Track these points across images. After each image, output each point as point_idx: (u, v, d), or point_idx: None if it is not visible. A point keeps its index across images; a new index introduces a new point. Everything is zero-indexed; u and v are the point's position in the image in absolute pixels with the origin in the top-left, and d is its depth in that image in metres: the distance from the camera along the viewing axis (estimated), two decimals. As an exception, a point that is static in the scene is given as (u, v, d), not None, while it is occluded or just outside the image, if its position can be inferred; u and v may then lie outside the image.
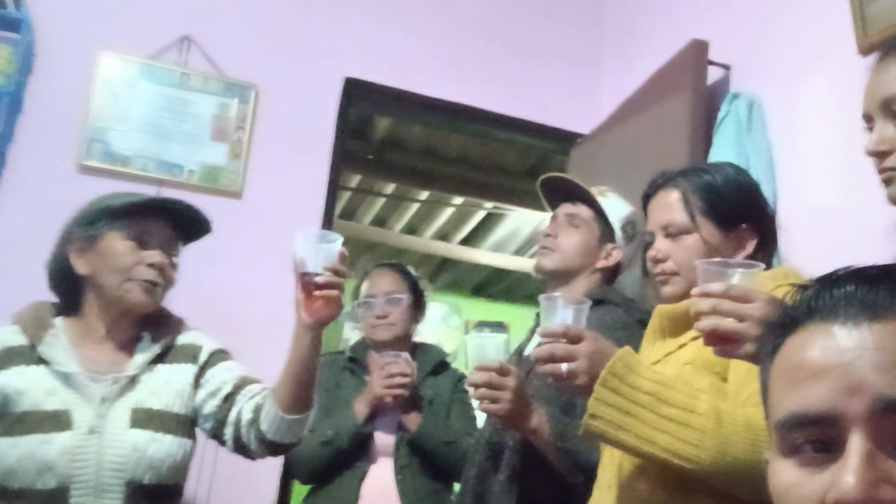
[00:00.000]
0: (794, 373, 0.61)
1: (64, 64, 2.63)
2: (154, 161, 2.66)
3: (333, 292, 1.43)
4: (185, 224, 1.64)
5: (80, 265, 1.55)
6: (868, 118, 1.19)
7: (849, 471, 0.55)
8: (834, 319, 0.60)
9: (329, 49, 2.96)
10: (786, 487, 0.60)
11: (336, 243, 1.45)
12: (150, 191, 2.44)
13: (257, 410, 1.53)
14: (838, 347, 0.59)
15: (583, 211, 1.88)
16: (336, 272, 1.43)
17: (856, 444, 0.56)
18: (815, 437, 0.59)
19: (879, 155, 1.16)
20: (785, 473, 0.61)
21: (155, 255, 1.56)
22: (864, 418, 0.56)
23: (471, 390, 1.59)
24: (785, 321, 0.65)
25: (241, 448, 1.58)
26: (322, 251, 1.43)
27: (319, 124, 2.91)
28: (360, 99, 3.03)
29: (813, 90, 2.05)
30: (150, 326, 1.62)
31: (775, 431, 0.63)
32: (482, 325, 5.43)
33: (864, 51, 1.81)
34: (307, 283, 1.43)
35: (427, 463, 2.17)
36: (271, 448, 1.56)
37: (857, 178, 1.69)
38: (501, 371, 1.49)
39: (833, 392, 0.58)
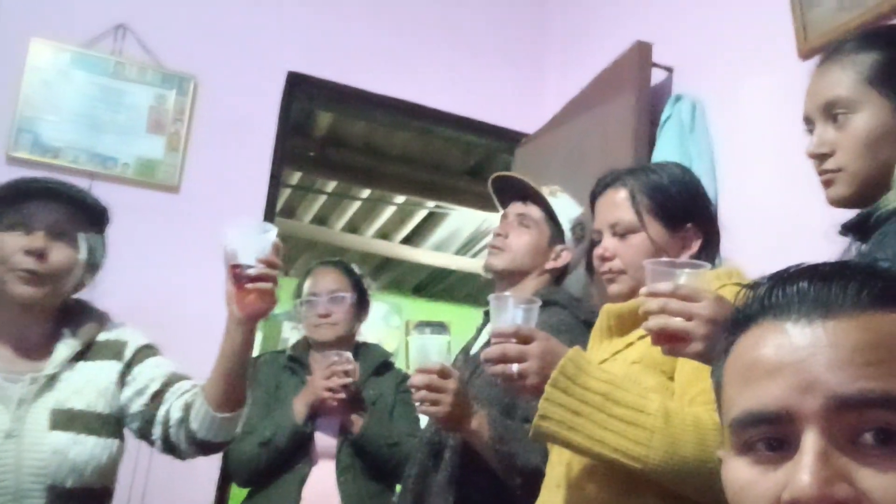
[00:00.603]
0: (748, 371, 0.61)
1: (-8, 51, 2.51)
2: (86, 153, 2.56)
3: (267, 285, 1.37)
4: (81, 211, 1.50)
5: None
6: (809, 121, 1.22)
7: (804, 469, 0.54)
8: (787, 317, 0.60)
9: (272, 42, 2.90)
10: (740, 486, 0.60)
11: (270, 234, 1.39)
12: (81, 183, 2.35)
13: (187, 408, 1.46)
14: (792, 345, 0.59)
15: (533, 211, 1.88)
16: (270, 264, 1.37)
17: (810, 441, 0.55)
18: (770, 436, 0.58)
19: (819, 157, 1.18)
20: (739, 472, 0.60)
21: (33, 241, 1.42)
22: (818, 416, 0.56)
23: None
24: (738, 319, 0.65)
25: (170, 448, 1.51)
26: (255, 242, 1.37)
27: (261, 118, 2.85)
28: (302, 93, 2.99)
29: (754, 93, 2.09)
30: (69, 322, 1.52)
31: (729, 430, 0.62)
32: (423, 324, 5.42)
33: (805, 55, 1.86)
34: (239, 276, 1.36)
35: (369, 464, 2.15)
36: (202, 447, 1.49)
37: (796, 179, 1.73)
38: (442, 373, 1.48)
39: (787, 390, 0.57)
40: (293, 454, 2.11)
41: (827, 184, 1.19)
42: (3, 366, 1.43)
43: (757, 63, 2.09)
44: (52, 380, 1.44)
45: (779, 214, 1.92)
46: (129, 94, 2.64)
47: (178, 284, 2.56)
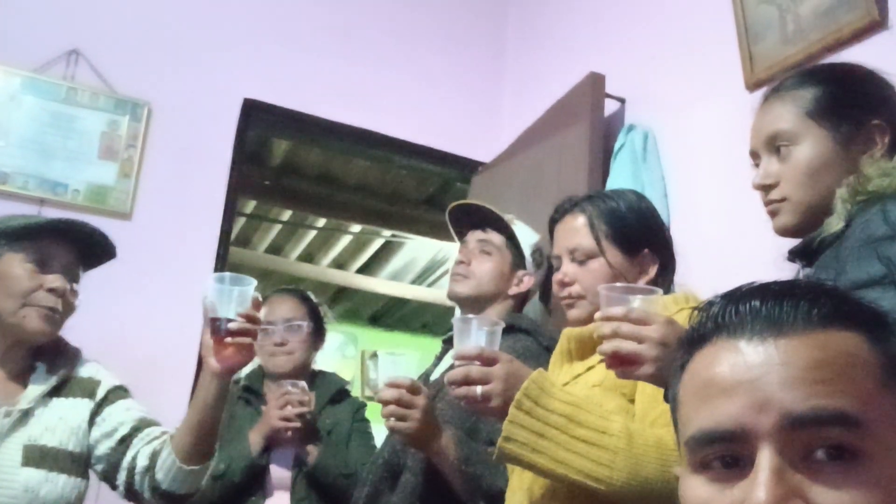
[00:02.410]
0: (703, 389, 0.62)
1: (-62, 74, 2.46)
2: (36, 179, 2.51)
3: (246, 339, 1.38)
4: (88, 249, 1.54)
5: None
6: (755, 155, 1.26)
7: (759, 486, 0.55)
8: (740, 335, 0.61)
9: (228, 68, 2.89)
10: (697, 503, 0.60)
11: (249, 287, 1.39)
12: (30, 210, 2.29)
13: (154, 457, 1.45)
14: (746, 363, 0.60)
15: (494, 237, 1.90)
16: (250, 318, 1.37)
17: (765, 459, 0.56)
18: (725, 453, 0.59)
19: (765, 188, 1.22)
20: (696, 489, 0.61)
21: (56, 280, 1.46)
22: (772, 434, 0.56)
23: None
24: (692, 337, 0.66)
25: (132, 495, 1.50)
26: (235, 295, 1.37)
27: (216, 146, 2.82)
28: (258, 121, 2.97)
29: (703, 123, 2.15)
30: (44, 356, 1.51)
31: (685, 447, 0.63)
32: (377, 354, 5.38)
33: (751, 86, 1.92)
34: (218, 329, 1.36)
35: (325, 495, 2.11)
36: (165, 498, 1.47)
37: (744, 206, 1.77)
38: (412, 389, 1.47)
39: (742, 409, 0.58)
40: (248, 486, 2.06)
41: (773, 214, 1.23)
42: None
43: (706, 94, 2.15)
44: (25, 415, 1.43)
45: (728, 240, 1.97)
46: (80, 120, 2.60)
47: (129, 314, 2.51)
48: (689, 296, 1.32)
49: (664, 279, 1.42)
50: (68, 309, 1.50)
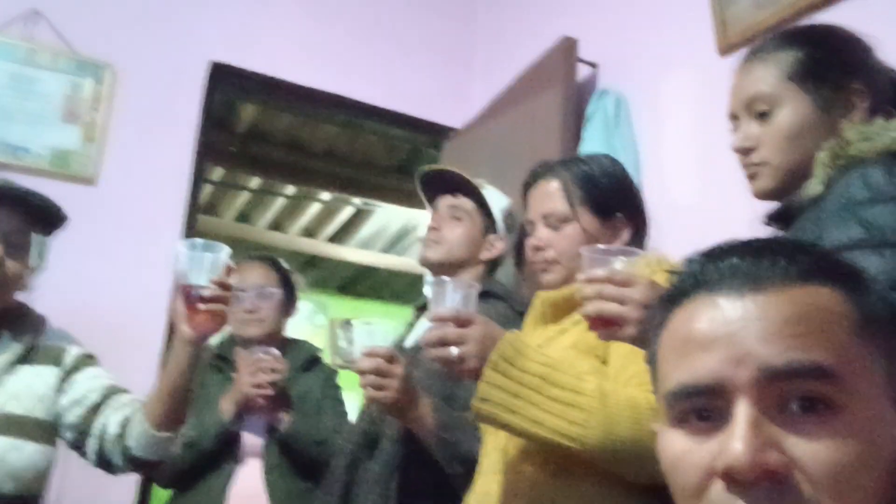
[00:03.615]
0: (682, 344, 0.63)
1: None
2: (-5, 143, 2.45)
3: (219, 306, 1.38)
4: (34, 214, 1.49)
5: None
6: (734, 117, 1.26)
7: (736, 437, 0.56)
8: (719, 291, 0.62)
9: (193, 30, 2.83)
10: (676, 456, 0.61)
11: (222, 254, 1.39)
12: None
13: (124, 424, 1.45)
14: (724, 319, 0.60)
15: (465, 203, 1.89)
16: (222, 285, 1.37)
17: (742, 411, 0.57)
18: (703, 407, 0.60)
19: (744, 152, 1.23)
20: (674, 443, 0.62)
21: None
22: (749, 387, 0.57)
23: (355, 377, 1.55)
24: (672, 294, 0.66)
25: (103, 462, 1.50)
26: (207, 262, 1.37)
27: (182, 110, 2.77)
28: (225, 84, 2.92)
29: (676, 88, 2.16)
30: (8, 324, 1.49)
31: (664, 402, 0.63)
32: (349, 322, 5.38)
33: (724, 51, 1.93)
34: (190, 296, 1.36)
35: (297, 462, 2.11)
36: (136, 465, 1.48)
37: (716, 170, 1.79)
38: (390, 358, 1.47)
39: (720, 362, 0.59)
40: (219, 454, 2.06)
41: (752, 177, 1.23)
42: None
43: (678, 59, 2.16)
44: None
45: (700, 205, 1.99)
46: (41, 82, 2.53)
47: (94, 281, 2.48)
48: (661, 259, 1.33)
49: (637, 242, 1.43)
50: (10, 278, 1.44)
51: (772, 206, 1.23)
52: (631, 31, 2.38)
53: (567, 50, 2.41)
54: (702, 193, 2.00)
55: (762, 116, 1.20)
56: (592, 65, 2.47)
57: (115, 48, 2.65)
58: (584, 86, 2.44)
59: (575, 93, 2.37)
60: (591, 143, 2.22)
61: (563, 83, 2.36)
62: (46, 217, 1.51)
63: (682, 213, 1.98)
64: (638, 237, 1.44)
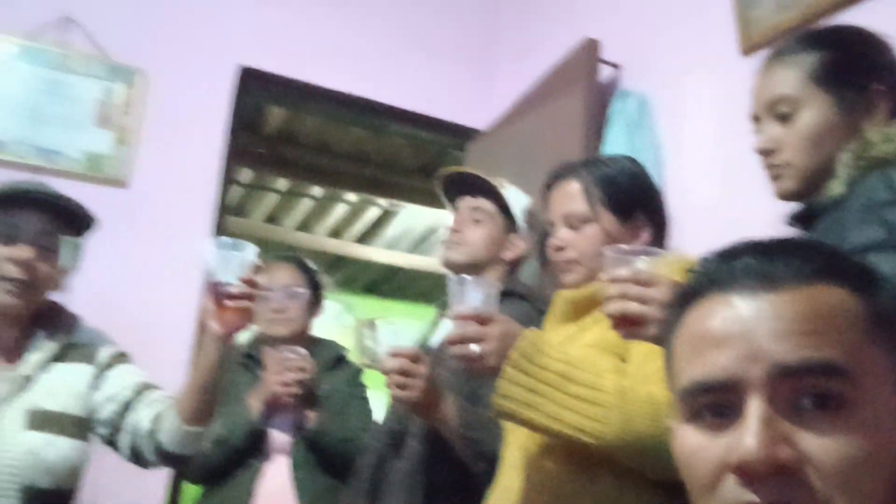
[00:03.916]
0: (696, 342, 0.64)
1: (-71, 41, 2.44)
2: (31, 147, 2.51)
3: (246, 303, 1.40)
4: (63, 216, 1.51)
5: None
6: (756, 119, 1.27)
7: (749, 433, 0.57)
8: (733, 290, 0.63)
9: (223, 35, 2.87)
10: (690, 451, 0.63)
11: (249, 252, 1.41)
12: (26, 178, 2.29)
13: (156, 420, 1.48)
14: (738, 317, 0.62)
15: (485, 204, 1.90)
16: (250, 283, 1.40)
17: (755, 407, 0.58)
18: (716, 403, 0.61)
19: (767, 153, 1.23)
20: (687, 439, 0.63)
21: (17, 251, 1.43)
22: (762, 383, 0.59)
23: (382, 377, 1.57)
24: (687, 292, 0.68)
25: (136, 457, 1.53)
26: (235, 260, 1.39)
27: (211, 113, 2.82)
28: (254, 88, 2.96)
29: (698, 89, 2.16)
30: (42, 323, 1.52)
31: (679, 399, 0.65)
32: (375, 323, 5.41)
33: (747, 51, 1.92)
34: (219, 293, 1.39)
35: (324, 460, 2.14)
36: (168, 459, 1.51)
37: (739, 171, 1.79)
38: (415, 357, 1.49)
39: (733, 360, 0.60)
40: (248, 451, 2.10)
41: (775, 178, 1.24)
42: None
43: (701, 60, 2.15)
44: (27, 381, 1.45)
45: (723, 206, 1.99)
46: (75, 87, 2.59)
47: (126, 282, 2.53)
48: (683, 259, 1.34)
49: (658, 243, 1.43)
50: (42, 279, 1.47)
51: (794, 207, 1.23)
52: (653, 31, 2.38)
53: (589, 51, 2.41)
54: (724, 194, 2.00)
55: (784, 118, 1.20)
56: (615, 66, 2.47)
57: (146, 53, 2.71)
58: (607, 87, 2.45)
59: (597, 94, 2.38)
60: (614, 144, 2.23)
61: (585, 84, 2.37)
62: (74, 219, 1.54)
63: (704, 214, 1.98)
64: (659, 238, 1.45)
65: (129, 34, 2.70)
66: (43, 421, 1.42)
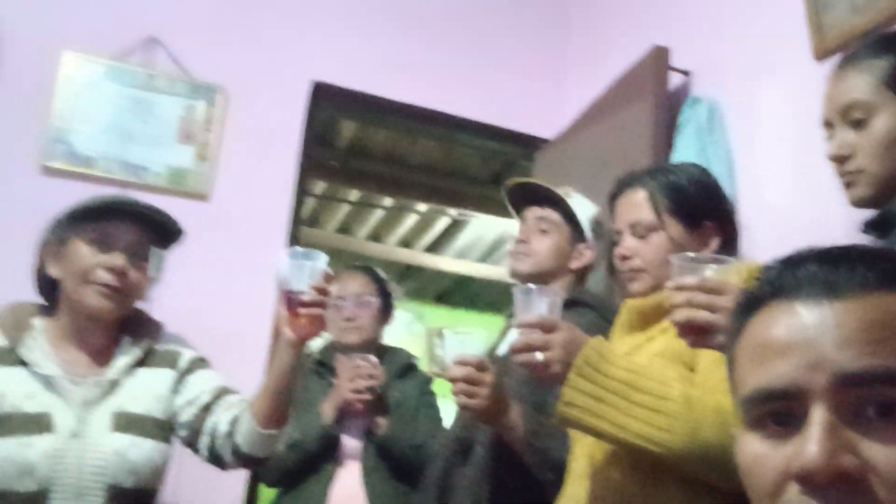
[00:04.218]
0: (759, 350, 0.64)
1: (25, 63, 2.59)
2: (118, 163, 2.64)
3: (318, 311, 1.44)
4: (154, 228, 1.59)
5: (52, 268, 1.53)
6: (828, 125, 1.24)
7: (811, 441, 0.57)
8: (797, 298, 0.63)
9: (297, 52, 2.96)
10: (753, 459, 0.62)
11: (321, 262, 1.45)
12: (114, 193, 2.41)
13: (234, 423, 1.52)
14: (801, 325, 0.61)
15: (551, 214, 1.91)
16: (321, 291, 1.44)
17: (818, 415, 0.58)
18: (779, 411, 0.61)
19: (840, 160, 1.21)
20: (751, 446, 0.63)
21: (113, 259, 1.50)
22: (825, 392, 0.58)
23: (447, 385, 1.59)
24: (750, 300, 0.67)
25: (214, 458, 1.57)
26: (307, 269, 1.43)
27: (287, 127, 2.91)
28: (327, 103, 3.04)
29: (771, 94, 2.11)
30: (128, 329, 1.59)
31: (741, 407, 0.65)
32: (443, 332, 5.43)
33: (820, 56, 1.88)
34: (292, 301, 1.43)
35: (394, 466, 2.17)
36: (245, 460, 1.55)
37: (813, 178, 1.75)
38: (480, 366, 1.49)
39: (797, 368, 0.60)
40: (321, 456, 2.15)
41: (848, 185, 1.21)
42: (69, 368, 1.49)
43: (773, 65, 2.11)
44: (113, 384, 1.51)
45: (797, 213, 1.94)
46: (159, 105, 2.71)
47: (207, 290, 2.62)
48: (753, 267, 1.32)
49: (728, 251, 1.40)
50: (132, 286, 1.54)
51: (869, 214, 1.20)
52: (724, 38, 2.34)
53: (659, 58, 2.39)
54: (798, 202, 1.95)
55: (858, 124, 1.18)
56: (685, 73, 2.44)
57: (225, 72, 2.81)
58: (677, 94, 2.42)
59: (666, 101, 2.36)
60: (684, 151, 2.20)
61: (654, 92, 2.35)
62: (165, 231, 1.61)
63: (777, 222, 1.94)
64: (728, 246, 1.42)
65: (209, 54, 2.82)
66: (128, 423, 1.48)
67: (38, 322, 1.54)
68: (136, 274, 1.54)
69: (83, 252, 1.50)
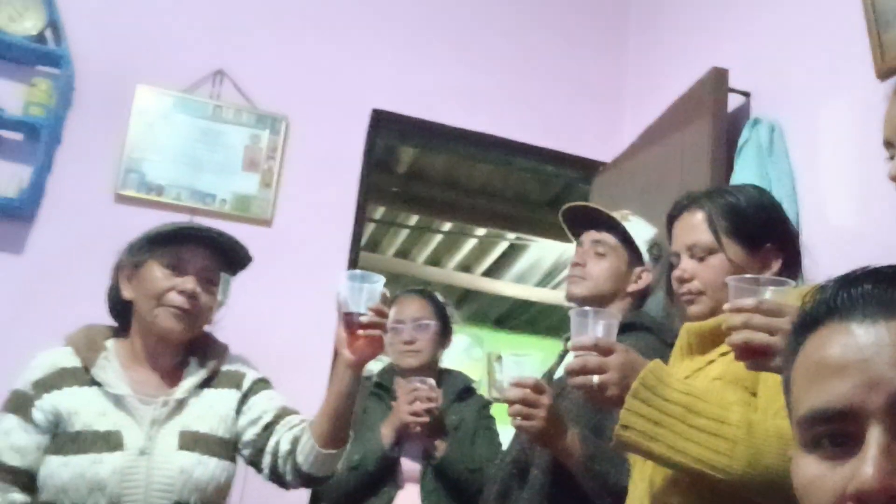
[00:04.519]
0: (815, 370, 0.63)
1: (101, 97, 2.73)
2: (187, 190, 2.74)
3: (376, 332, 1.47)
4: (225, 254, 1.65)
5: (126, 290, 1.59)
6: (889, 144, 1.22)
7: (868, 462, 0.56)
8: (852, 318, 0.62)
9: (357, 81, 3.04)
10: (809, 481, 0.62)
11: (379, 284, 1.48)
12: (183, 219, 2.50)
13: (295, 442, 1.55)
14: (857, 345, 0.61)
15: (608, 237, 1.90)
16: (379, 313, 1.46)
17: (874, 436, 0.57)
18: (836, 432, 0.60)
19: None
20: (807, 468, 0.62)
21: (187, 283, 1.56)
22: (882, 412, 0.57)
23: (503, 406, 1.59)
24: (805, 321, 0.67)
25: (276, 477, 1.60)
26: (365, 291, 1.46)
27: (347, 154, 2.98)
28: (386, 130, 3.10)
29: (832, 114, 2.07)
30: (196, 351, 1.64)
31: (797, 428, 0.65)
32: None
33: (882, 75, 1.83)
34: (351, 322, 1.46)
35: (453, 489, 2.17)
36: (306, 480, 1.58)
37: (876, 200, 1.71)
38: (537, 388, 1.49)
39: (853, 388, 0.59)
40: (380, 478, 2.16)
41: None
42: (139, 388, 1.55)
43: (834, 84, 2.07)
44: (180, 404, 1.56)
45: (861, 235, 1.89)
46: (226, 135, 2.82)
47: (269, 313, 2.68)
48: (817, 288, 1.29)
49: (789, 274, 1.38)
50: (203, 309, 1.60)
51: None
52: (784, 58, 2.31)
53: (717, 80, 2.37)
54: (862, 223, 1.90)
55: None
56: (745, 94, 2.41)
57: (288, 101, 2.91)
58: (736, 115, 2.39)
59: (726, 123, 2.33)
60: (744, 172, 2.17)
61: (713, 113, 2.33)
62: (235, 257, 1.67)
63: (841, 244, 1.89)
64: (790, 268, 1.40)
65: (273, 85, 2.91)
66: (194, 442, 1.52)
67: (111, 343, 1.60)
68: (206, 297, 1.60)
69: (158, 275, 1.56)
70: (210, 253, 1.62)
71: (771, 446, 1.07)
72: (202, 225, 1.67)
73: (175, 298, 1.56)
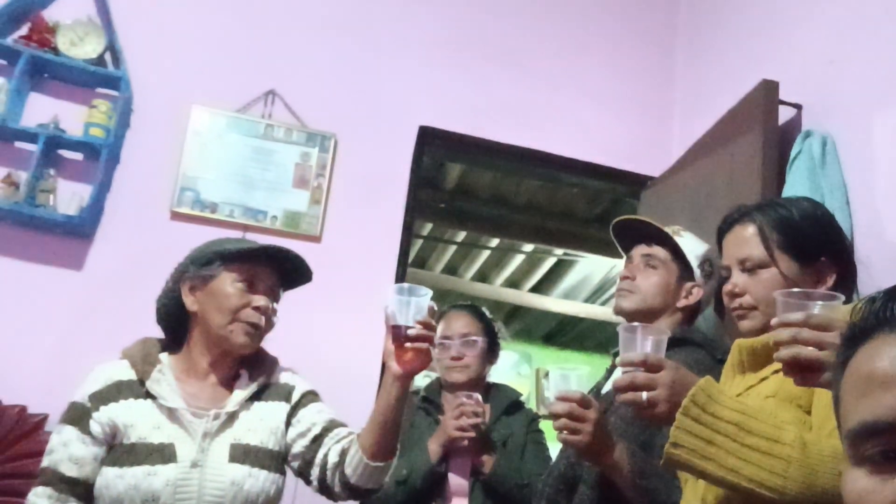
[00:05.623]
0: (864, 383, 0.63)
1: (158, 118, 2.82)
2: (240, 207, 2.81)
3: (424, 345, 1.48)
4: (290, 273, 1.70)
5: (190, 302, 1.63)
6: None
7: None
8: None
9: (404, 99, 3.08)
10: (858, 496, 0.61)
11: (426, 297, 1.49)
12: (235, 235, 2.56)
13: (343, 454, 1.57)
14: None
15: (659, 251, 1.88)
16: (426, 326, 1.48)
17: None
18: (885, 446, 0.59)
19: None
20: (857, 482, 0.61)
21: (262, 300, 1.61)
22: None
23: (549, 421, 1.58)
24: (854, 333, 0.66)
25: (325, 489, 1.61)
26: (413, 304, 1.47)
27: (395, 171, 3.01)
28: (433, 147, 3.12)
29: (886, 126, 2.03)
30: (247, 365, 1.67)
31: (846, 441, 0.64)
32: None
33: (938, 86, 1.80)
34: (398, 335, 1.47)
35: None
36: (354, 492, 1.59)
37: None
38: (583, 402, 1.47)
39: None
40: (428, 493, 2.16)
41: None
42: (191, 401, 1.58)
43: (887, 96, 2.03)
44: (231, 417, 1.59)
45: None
46: (277, 153, 2.88)
47: (318, 327, 2.72)
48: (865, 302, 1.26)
49: (844, 288, 1.35)
50: (269, 325, 1.65)
51: None
52: (835, 70, 2.27)
53: (768, 93, 2.34)
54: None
55: None
56: (796, 106, 2.37)
57: (337, 120, 2.96)
58: (787, 128, 2.36)
59: (776, 136, 2.29)
60: (795, 186, 2.13)
61: (763, 126, 2.29)
62: (299, 278, 1.72)
63: (895, 258, 1.85)
64: (845, 283, 1.37)
65: (322, 104, 2.97)
66: (244, 454, 1.55)
67: (165, 356, 1.64)
68: (273, 315, 1.66)
69: (232, 291, 1.61)
70: (276, 271, 1.67)
71: (826, 466, 1.05)
72: (275, 245, 1.70)
73: (251, 315, 1.60)
